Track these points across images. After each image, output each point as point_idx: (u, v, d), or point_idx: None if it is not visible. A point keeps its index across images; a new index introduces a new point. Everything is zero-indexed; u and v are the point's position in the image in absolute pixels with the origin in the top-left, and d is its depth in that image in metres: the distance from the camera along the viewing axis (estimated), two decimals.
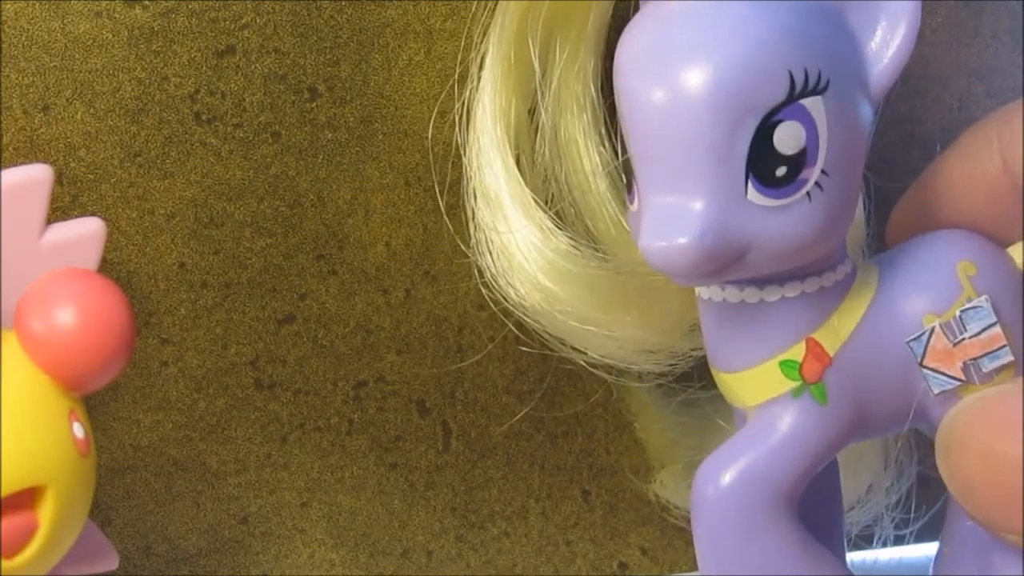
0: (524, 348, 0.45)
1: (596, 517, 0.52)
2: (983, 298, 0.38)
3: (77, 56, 0.44)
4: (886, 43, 0.36)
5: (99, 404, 0.47)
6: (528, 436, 0.51)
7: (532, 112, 0.44)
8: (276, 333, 0.48)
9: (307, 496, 0.50)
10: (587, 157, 0.43)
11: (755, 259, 0.36)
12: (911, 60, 0.47)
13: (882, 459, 0.47)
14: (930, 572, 0.43)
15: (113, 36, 0.44)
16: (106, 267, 0.43)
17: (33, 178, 0.41)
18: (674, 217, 0.35)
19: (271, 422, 0.49)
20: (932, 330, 0.38)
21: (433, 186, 0.47)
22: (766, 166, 0.35)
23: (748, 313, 0.38)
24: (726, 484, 0.38)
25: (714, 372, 0.40)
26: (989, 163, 0.40)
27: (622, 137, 0.37)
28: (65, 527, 0.41)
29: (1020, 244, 0.40)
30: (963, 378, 0.38)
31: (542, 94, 0.43)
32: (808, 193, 0.35)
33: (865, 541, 0.49)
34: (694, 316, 0.41)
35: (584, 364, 0.44)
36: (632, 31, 0.37)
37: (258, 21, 0.45)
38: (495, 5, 0.43)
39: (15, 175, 0.41)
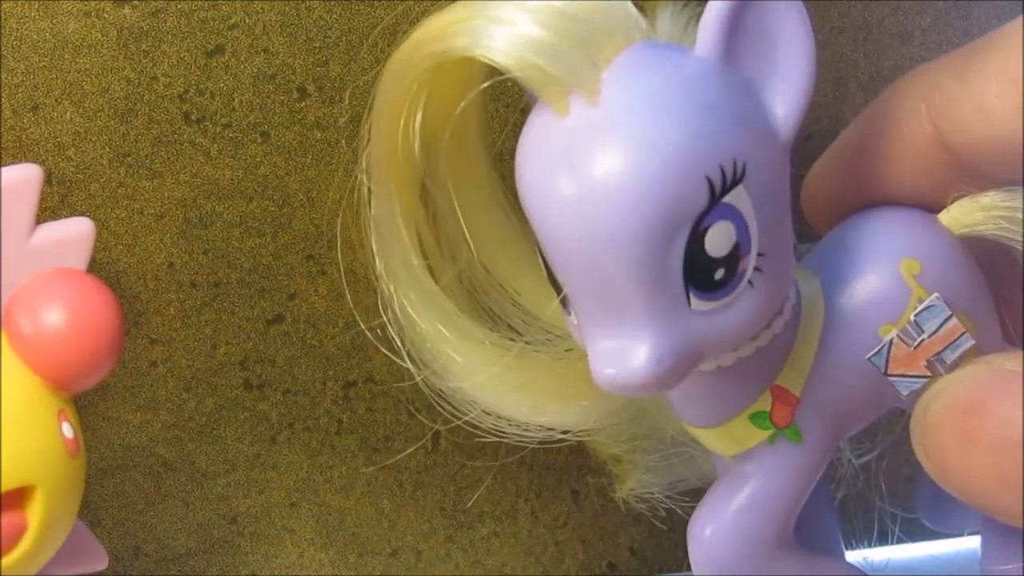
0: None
1: (585, 517, 0.52)
2: (934, 296, 0.37)
3: (66, 56, 0.44)
4: (786, 85, 0.34)
5: (88, 404, 0.47)
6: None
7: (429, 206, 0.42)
8: (265, 333, 0.48)
9: (296, 496, 0.50)
10: (494, 236, 0.41)
11: (711, 355, 0.35)
12: (901, 61, 0.48)
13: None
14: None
15: (102, 36, 0.44)
16: (95, 267, 0.43)
17: (22, 178, 0.41)
18: (622, 351, 0.33)
19: (260, 422, 0.49)
20: (891, 341, 0.37)
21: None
22: (703, 274, 0.33)
23: (709, 378, 0.37)
24: (720, 537, 0.38)
25: (685, 426, 0.40)
26: (917, 128, 0.38)
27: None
28: (54, 527, 0.41)
29: (952, 210, 0.38)
30: (929, 374, 0.37)
31: (435, 185, 0.41)
32: (750, 281, 0.34)
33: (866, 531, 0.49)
34: None
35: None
36: (529, 159, 0.34)
37: (247, 21, 0.45)
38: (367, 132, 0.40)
39: (4, 175, 0.41)
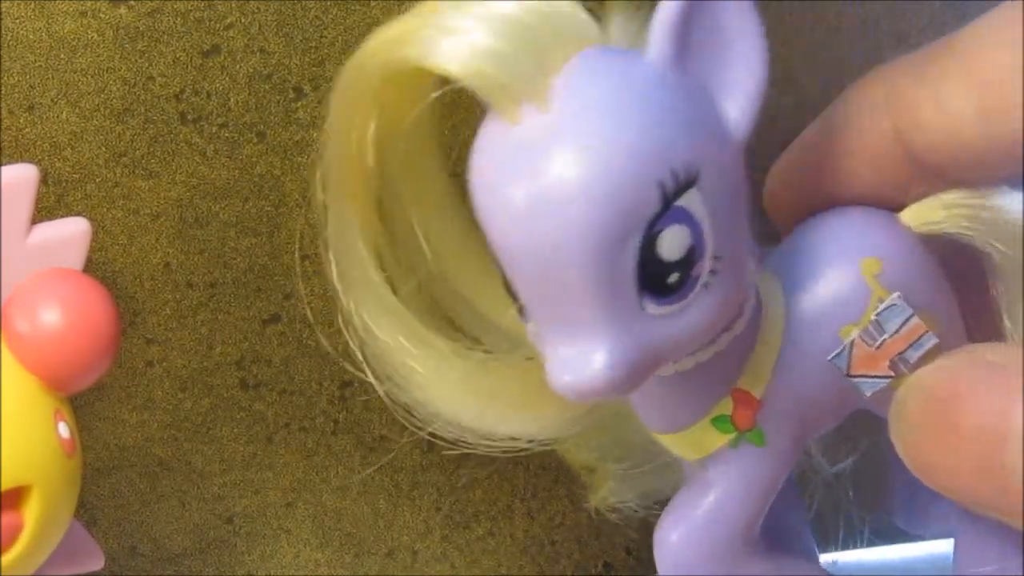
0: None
1: (581, 517, 0.52)
2: (895, 295, 0.37)
3: (62, 56, 0.44)
4: (738, 86, 0.34)
5: (84, 404, 0.47)
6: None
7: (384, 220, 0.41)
8: (261, 333, 0.48)
9: (292, 496, 0.50)
10: (453, 239, 0.41)
11: (669, 358, 0.35)
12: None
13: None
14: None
15: (99, 36, 0.44)
16: (91, 267, 0.43)
17: (18, 178, 0.41)
18: (577, 358, 0.33)
19: (256, 422, 0.49)
20: (852, 342, 0.37)
21: None
22: (657, 278, 0.33)
23: (669, 383, 0.37)
24: (685, 545, 0.38)
25: (649, 431, 0.40)
26: (877, 127, 0.38)
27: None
28: (51, 527, 0.41)
29: (913, 209, 0.38)
30: (892, 374, 0.37)
31: (391, 196, 0.40)
32: (705, 284, 0.34)
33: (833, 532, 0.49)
34: None
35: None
36: (483, 161, 0.34)
37: (243, 21, 0.45)
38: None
39: (1, 175, 0.41)
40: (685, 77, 0.34)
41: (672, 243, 0.33)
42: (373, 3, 0.45)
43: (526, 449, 0.42)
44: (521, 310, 0.35)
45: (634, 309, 0.33)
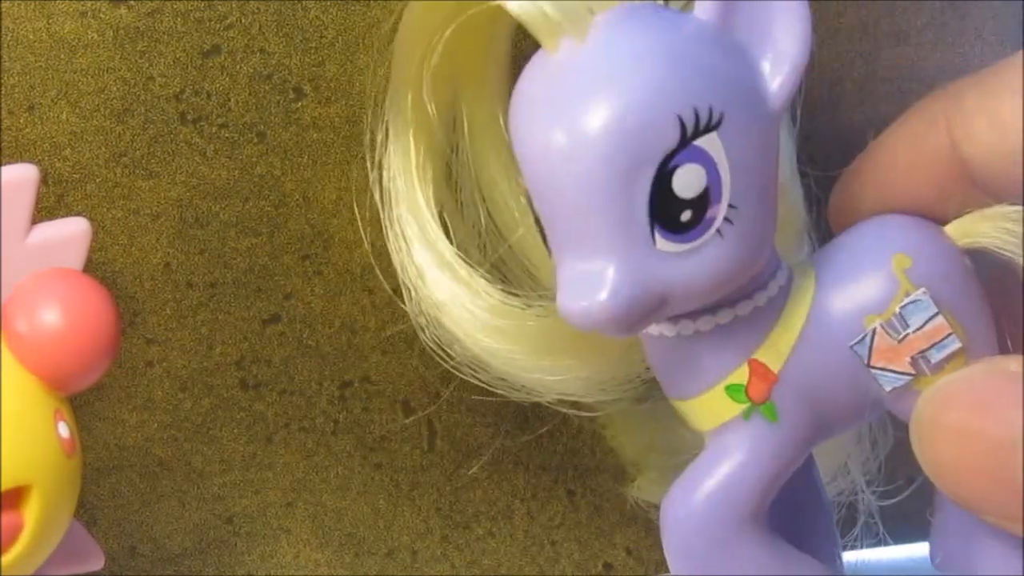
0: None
1: (581, 517, 0.52)
2: (921, 291, 0.37)
3: (63, 56, 0.44)
4: (780, 57, 0.35)
5: (84, 404, 0.47)
6: (513, 436, 0.51)
7: (450, 164, 0.43)
8: (261, 333, 0.48)
9: (292, 496, 0.50)
10: (511, 198, 0.43)
11: (677, 302, 0.36)
12: (897, 61, 0.48)
13: (854, 433, 0.47)
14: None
15: (98, 36, 0.44)
16: (91, 267, 0.43)
17: (18, 178, 0.41)
18: (584, 279, 0.35)
19: (256, 422, 0.49)
20: (874, 331, 0.37)
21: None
22: (670, 213, 0.34)
23: (687, 344, 0.38)
24: (689, 513, 0.38)
25: (669, 399, 0.40)
26: (934, 141, 0.39)
27: None
28: (50, 527, 0.41)
29: (958, 222, 0.39)
30: (913, 372, 0.37)
31: (455, 144, 0.42)
32: (719, 230, 0.35)
33: (851, 525, 0.49)
34: (635, 341, 0.41)
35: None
36: (519, 90, 0.36)
37: (243, 21, 0.45)
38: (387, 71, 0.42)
39: (1, 175, 0.41)
40: (727, 39, 0.35)
41: (687, 181, 0.34)
42: (373, 3, 0.45)
43: (568, 400, 0.44)
44: (547, 242, 0.37)
45: (645, 241, 0.34)
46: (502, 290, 0.42)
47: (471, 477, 0.51)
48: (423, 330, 0.43)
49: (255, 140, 0.46)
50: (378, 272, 0.45)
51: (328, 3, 0.45)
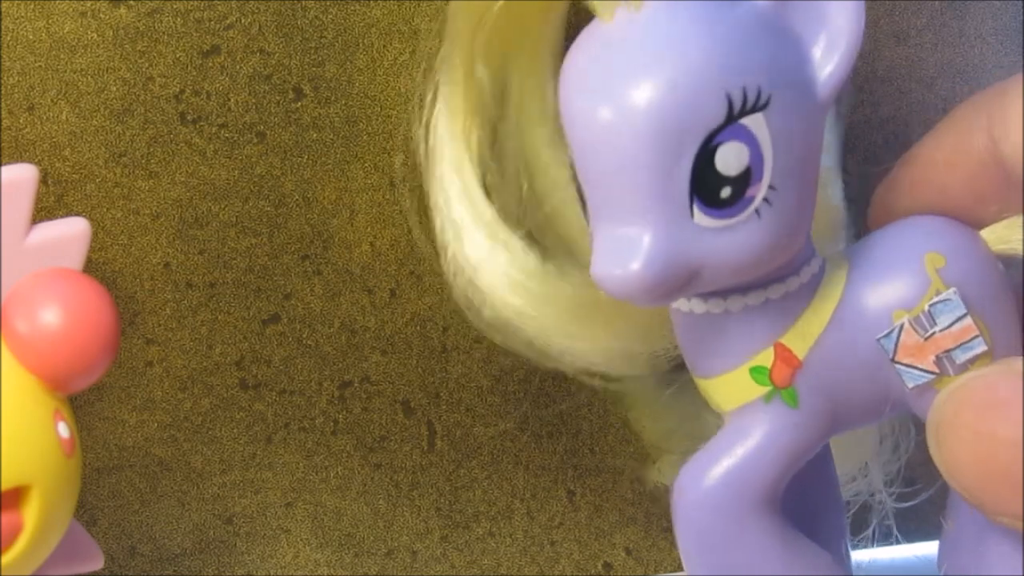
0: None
1: (581, 517, 0.52)
2: (951, 290, 0.37)
3: (62, 56, 0.44)
4: (832, 46, 0.36)
5: (84, 404, 0.47)
6: (513, 436, 0.51)
7: (496, 130, 0.43)
8: (261, 333, 0.48)
9: (292, 496, 0.50)
10: (553, 167, 0.43)
11: (709, 277, 0.36)
12: (897, 61, 0.48)
13: (876, 434, 0.47)
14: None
15: (98, 36, 0.44)
16: (91, 267, 0.43)
17: (18, 178, 0.41)
18: (621, 246, 0.35)
19: (256, 422, 0.49)
20: (901, 326, 0.38)
21: (419, 186, 0.47)
22: (710, 188, 0.35)
23: (716, 322, 0.38)
24: (703, 491, 0.38)
25: (692, 376, 0.40)
26: (975, 140, 0.39)
27: None
28: (50, 527, 0.41)
29: (993, 227, 0.39)
30: (936, 371, 0.38)
31: (502, 111, 0.42)
32: (757, 210, 0.35)
33: (864, 525, 0.49)
34: (664, 314, 0.41)
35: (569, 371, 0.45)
36: (572, 57, 0.37)
37: (243, 21, 0.45)
38: (442, 31, 0.42)
39: (1, 175, 0.41)
40: (780, 24, 0.36)
41: (729, 158, 0.35)
42: (373, 3, 0.45)
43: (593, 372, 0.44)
44: (585, 208, 0.37)
45: (684, 213, 0.35)
46: (538, 255, 0.42)
47: (471, 477, 0.51)
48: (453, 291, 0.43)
49: (255, 140, 0.46)
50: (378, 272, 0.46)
51: (328, 3, 0.45)
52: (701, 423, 0.46)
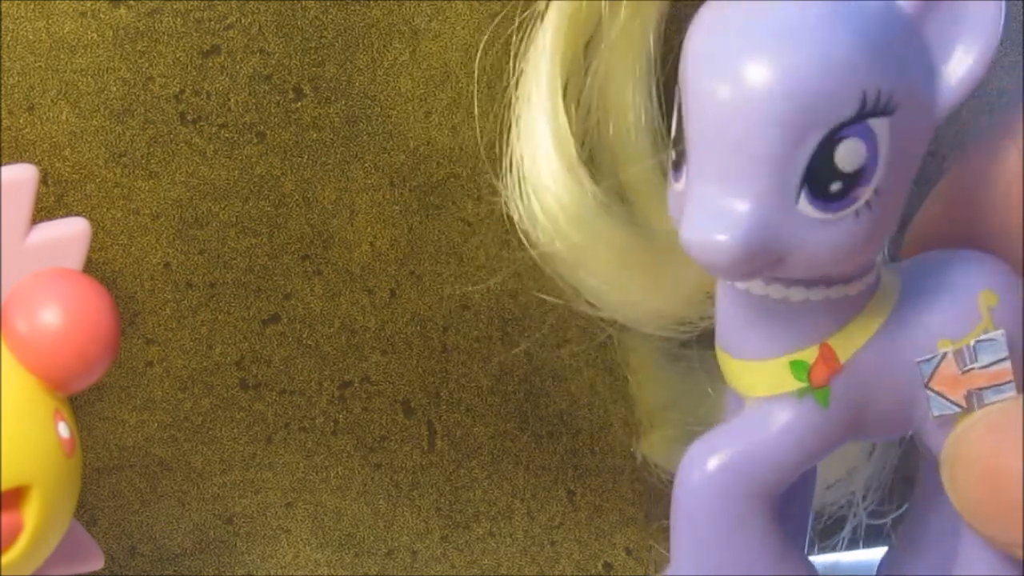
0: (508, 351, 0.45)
1: (581, 517, 0.52)
2: (1000, 332, 0.38)
3: (62, 56, 0.44)
4: (961, 60, 0.36)
5: (84, 404, 0.47)
6: (513, 436, 0.51)
7: (586, 53, 0.43)
8: (261, 333, 0.48)
9: (292, 496, 0.50)
10: (632, 109, 0.43)
11: (792, 265, 0.36)
12: None
13: (867, 445, 0.47)
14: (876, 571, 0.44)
15: (98, 36, 0.44)
16: (91, 267, 0.43)
17: (18, 178, 0.41)
18: (719, 213, 0.35)
19: (256, 422, 0.49)
20: (944, 355, 0.38)
21: (419, 186, 0.47)
22: (822, 179, 0.35)
23: (769, 307, 0.38)
24: (711, 470, 0.38)
25: (720, 353, 0.40)
26: (1009, 165, 0.39)
27: (672, 107, 0.38)
28: (50, 527, 0.41)
29: None
30: (964, 406, 0.38)
31: (599, 39, 0.42)
32: (857, 211, 0.35)
33: (838, 525, 0.49)
34: (711, 286, 0.41)
35: (590, 316, 0.45)
36: (705, 20, 0.36)
37: (243, 21, 0.45)
38: None
39: (1, 175, 0.41)
40: (918, 34, 0.36)
41: (848, 154, 0.35)
42: (373, 3, 0.45)
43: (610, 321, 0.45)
44: (677, 163, 0.37)
45: (790, 198, 0.35)
46: (602, 191, 0.42)
47: (471, 477, 0.51)
48: (508, 208, 0.43)
49: (255, 140, 0.46)
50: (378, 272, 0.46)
51: (328, 3, 0.45)
52: (704, 405, 0.46)
